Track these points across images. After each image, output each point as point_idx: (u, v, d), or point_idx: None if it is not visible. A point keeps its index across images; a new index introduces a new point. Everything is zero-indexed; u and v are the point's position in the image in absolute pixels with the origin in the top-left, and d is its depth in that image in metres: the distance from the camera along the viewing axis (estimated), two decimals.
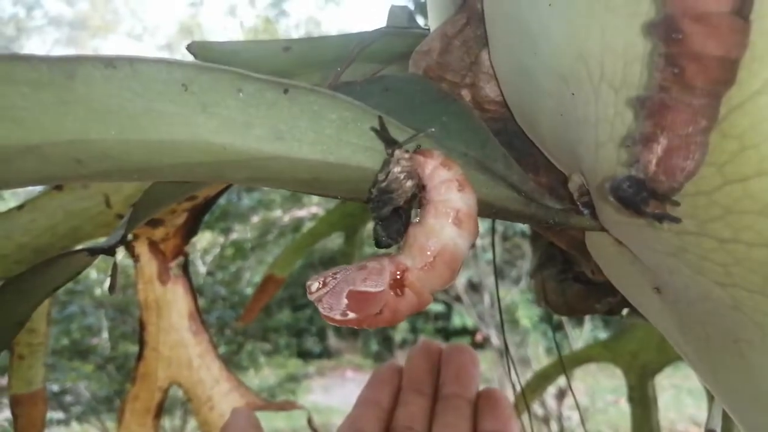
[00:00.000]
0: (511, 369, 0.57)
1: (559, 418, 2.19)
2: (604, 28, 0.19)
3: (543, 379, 0.69)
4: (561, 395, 2.12)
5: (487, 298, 2.78)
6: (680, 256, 0.21)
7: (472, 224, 0.22)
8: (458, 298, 2.91)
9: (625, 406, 0.62)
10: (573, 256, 0.37)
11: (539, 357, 2.98)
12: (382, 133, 0.22)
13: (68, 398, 2.34)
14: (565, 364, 0.67)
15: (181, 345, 0.53)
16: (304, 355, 4.20)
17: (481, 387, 0.39)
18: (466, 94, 0.28)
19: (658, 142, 0.16)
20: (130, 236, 0.51)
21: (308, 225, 2.80)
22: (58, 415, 2.28)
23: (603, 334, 2.80)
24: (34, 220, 0.39)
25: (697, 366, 0.25)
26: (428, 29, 0.37)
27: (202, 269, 2.87)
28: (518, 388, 0.61)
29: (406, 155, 0.21)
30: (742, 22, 0.15)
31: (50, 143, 0.19)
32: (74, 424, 2.40)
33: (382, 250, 0.22)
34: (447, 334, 3.90)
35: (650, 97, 0.17)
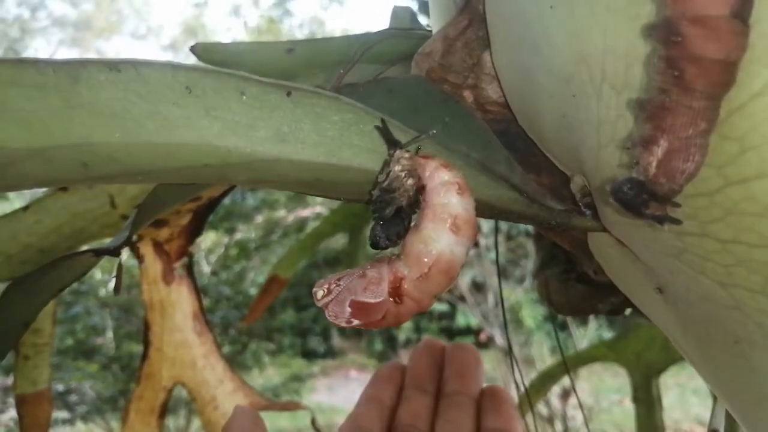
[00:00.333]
0: (515, 369, 0.57)
1: (564, 418, 2.18)
2: (605, 29, 0.20)
3: (547, 378, 0.69)
4: (565, 395, 2.12)
5: (491, 298, 2.78)
6: (682, 256, 0.21)
7: (470, 230, 0.21)
8: (462, 298, 2.91)
9: (629, 406, 0.62)
10: (575, 257, 0.37)
11: (543, 357, 2.98)
12: (385, 134, 0.22)
13: (73, 398, 2.34)
14: (569, 364, 0.67)
15: (186, 345, 0.53)
16: (308, 354, 4.20)
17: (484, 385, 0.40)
18: (468, 95, 0.28)
19: (658, 145, 0.16)
20: (134, 237, 0.51)
21: (312, 225, 2.81)
22: (63, 414, 2.28)
23: (608, 334, 2.80)
24: (40, 221, 0.39)
25: (699, 366, 0.25)
26: (431, 30, 0.37)
27: (206, 269, 2.88)
28: (522, 388, 0.61)
29: (407, 155, 0.21)
30: (741, 24, 0.16)
31: (56, 146, 0.19)
32: (79, 424, 2.41)
33: (385, 251, 0.23)
34: (451, 333, 3.90)
35: (650, 100, 0.17)
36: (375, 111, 0.22)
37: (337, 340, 4.38)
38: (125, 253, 0.36)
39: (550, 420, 2.16)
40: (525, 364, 2.63)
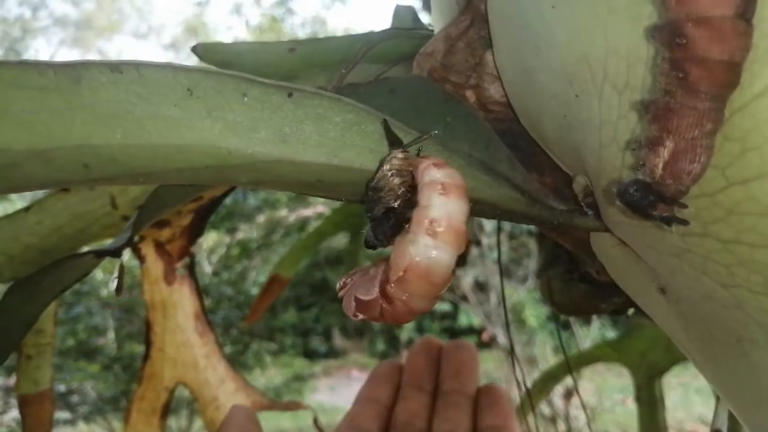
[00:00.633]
0: (517, 368, 0.57)
1: (567, 418, 2.18)
2: (607, 30, 0.20)
3: (550, 378, 0.69)
4: (568, 395, 2.12)
5: (493, 298, 2.78)
6: (684, 256, 0.21)
7: (450, 234, 0.20)
8: (465, 298, 2.91)
9: (632, 406, 0.62)
10: (578, 256, 0.37)
11: (546, 356, 2.98)
12: (388, 134, 0.22)
13: (75, 398, 2.35)
14: (571, 364, 0.67)
15: (187, 345, 0.53)
16: (310, 354, 4.21)
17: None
18: (470, 95, 0.28)
19: (664, 146, 0.16)
20: (136, 238, 0.51)
21: (314, 224, 2.81)
22: (65, 415, 2.29)
23: (611, 334, 2.79)
24: (41, 222, 0.39)
25: (702, 366, 0.25)
26: (432, 30, 0.37)
27: (208, 269, 2.88)
28: (524, 388, 0.61)
29: (400, 155, 0.21)
30: (745, 25, 0.16)
31: (57, 148, 0.19)
32: (81, 424, 2.41)
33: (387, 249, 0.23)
34: (453, 333, 3.90)
35: (655, 101, 0.17)
36: (377, 111, 0.22)
37: (339, 340, 4.39)
38: (126, 254, 0.36)
39: (553, 420, 2.16)
40: (528, 363, 2.63)
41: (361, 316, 0.22)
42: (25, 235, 0.39)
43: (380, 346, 4.16)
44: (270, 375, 3.33)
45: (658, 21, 0.17)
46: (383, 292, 0.21)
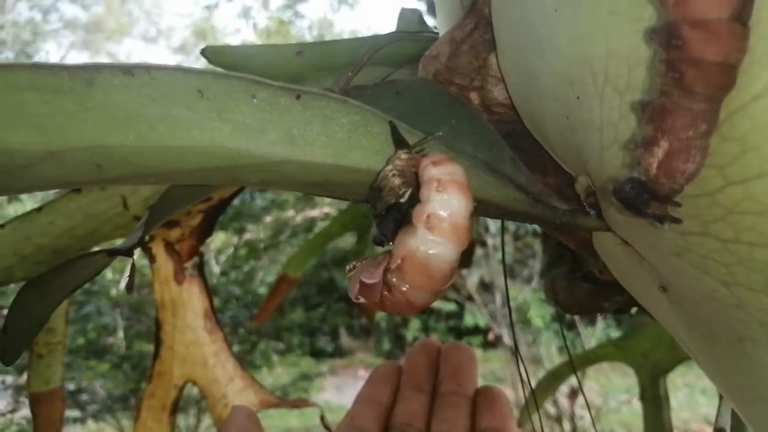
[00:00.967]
0: (522, 368, 0.57)
1: (572, 417, 2.18)
2: (608, 32, 0.20)
3: (554, 378, 0.70)
4: (573, 394, 2.12)
5: (499, 297, 2.78)
6: (684, 255, 0.21)
7: (449, 229, 0.21)
8: (470, 298, 2.91)
9: (638, 406, 0.62)
10: (581, 256, 0.37)
11: (552, 356, 2.97)
12: (394, 136, 0.22)
13: (84, 397, 2.36)
14: (576, 364, 0.67)
15: (197, 344, 0.54)
16: (317, 353, 4.21)
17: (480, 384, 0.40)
18: (474, 97, 0.29)
19: (659, 146, 0.17)
20: (146, 238, 0.52)
21: (321, 225, 2.81)
22: (75, 413, 2.30)
23: (616, 333, 2.79)
24: (53, 222, 0.40)
25: (704, 364, 0.25)
26: (437, 33, 0.37)
27: (216, 269, 2.89)
28: (529, 388, 0.61)
29: (404, 156, 0.22)
30: (741, 27, 0.16)
31: (71, 149, 0.20)
32: (90, 422, 2.42)
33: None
34: (459, 333, 3.90)
35: (651, 102, 0.17)
36: (383, 113, 0.22)
37: (345, 340, 4.39)
38: (136, 253, 0.37)
39: (558, 419, 2.16)
40: (533, 363, 2.62)
41: (362, 299, 0.23)
42: (37, 235, 0.39)
43: (386, 345, 4.16)
44: (277, 374, 3.33)
45: (655, 23, 0.17)
46: (384, 279, 0.22)
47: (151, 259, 0.53)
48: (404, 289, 0.22)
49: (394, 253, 0.22)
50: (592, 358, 0.72)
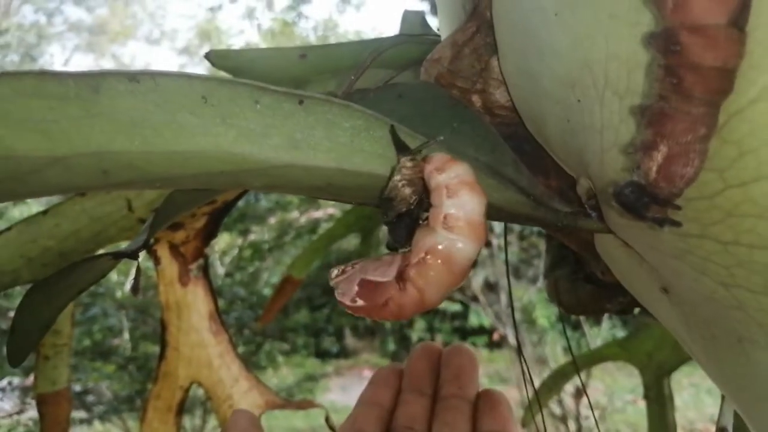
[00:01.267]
0: (526, 368, 0.57)
1: (577, 417, 2.18)
2: (608, 36, 0.20)
3: (559, 378, 0.70)
4: (578, 394, 2.11)
5: (503, 298, 2.77)
6: (684, 258, 0.21)
7: (467, 227, 0.21)
8: (475, 298, 2.90)
9: (643, 406, 0.62)
10: (584, 257, 0.37)
11: (557, 356, 2.97)
12: (395, 140, 0.22)
13: (90, 398, 2.36)
14: (580, 364, 0.67)
15: (202, 345, 0.54)
16: (322, 354, 4.22)
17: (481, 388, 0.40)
18: (476, 100, 0.29)
19: (658, 150, 0.17)
20: (151, 240, 0.52)
21: (325, 226, 2.81)
22: (81, 414, 2.30)
23: (622, 333, 2.78)
24: (59, 225, 0.40)
25: (705, 364, 0.25)
26: (440, 36, 0.37)
27: (221, 271, 2.89)
28: (533, 388, 0.61)
29: (409, 164, 0.22)
30: (738, 32, 0.16)
31: (77, 154, 0.20)
32: (97, 423, 2.43)
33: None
34: (464, 333, 3.89)
35: (650, 106, 0.17)
36: (385, 117, 0.23)
37: (350, 340, 4.39)
38: (141, 256, 0.37)
39: (563, 419, 2.15)
40: (538, 363, 2.62)
41: (359, 302, 0.23)
42: (43, 238, 0.40)
43: (391, 346, 4.16)
44: (282, 375, 3.34)
45: (654, 28, 0.17)
46: (401, 275, 0.22)
47: (156, 261, 0.53)
48: (421, 284, 0.22)
49: (414, 250, 0.22)
50: (597, 357, 0.72)
